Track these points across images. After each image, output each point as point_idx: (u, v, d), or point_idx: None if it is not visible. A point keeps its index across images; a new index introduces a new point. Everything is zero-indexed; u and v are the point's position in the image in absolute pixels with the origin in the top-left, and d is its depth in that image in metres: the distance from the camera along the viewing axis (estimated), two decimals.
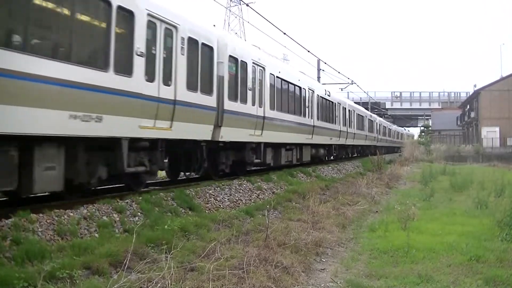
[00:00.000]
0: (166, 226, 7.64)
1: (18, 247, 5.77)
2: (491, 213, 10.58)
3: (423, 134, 59.12)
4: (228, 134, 12.65)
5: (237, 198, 11.84)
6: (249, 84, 13.94)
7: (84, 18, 7.87)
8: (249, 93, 13.92)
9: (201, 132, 11.45)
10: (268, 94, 15.66)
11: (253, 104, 14.30)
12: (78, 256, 5.88)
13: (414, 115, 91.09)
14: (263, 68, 15.24)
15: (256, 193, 12.94)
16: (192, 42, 10.83)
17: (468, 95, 73.99)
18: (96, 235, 7.03)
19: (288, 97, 18.29)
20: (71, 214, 7.26)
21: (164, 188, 11.00)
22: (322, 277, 6.48)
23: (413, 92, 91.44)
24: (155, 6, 9.43)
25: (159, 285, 5.04)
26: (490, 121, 58.36)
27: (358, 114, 34.53)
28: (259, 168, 16.77)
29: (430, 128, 64.89)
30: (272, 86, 16.14)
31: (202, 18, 12.64)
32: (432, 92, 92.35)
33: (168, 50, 9.97)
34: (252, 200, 12.23)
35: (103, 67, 8.04)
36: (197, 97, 11.07)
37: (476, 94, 62.63)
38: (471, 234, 8.85)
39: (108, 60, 8.09)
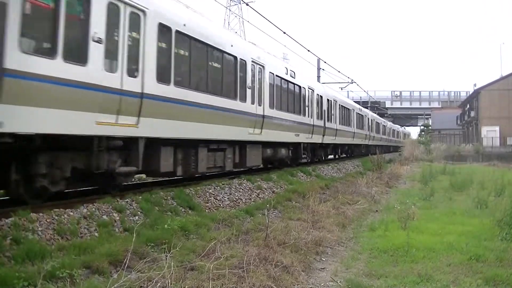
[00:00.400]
0: (166, 226, 7.65)
1: (18, 247, 5.78)
2: (491, 212, 10.57)
3: (423, 133, 59.08)
4: None
5: (237, 197, 11.84)
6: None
7: None
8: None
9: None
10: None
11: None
12: (78, 256, 5.89)
13: (414, 115, 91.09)
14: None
15: (256, 193, 12.94)
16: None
17: (468, 95, 73.94)
18: (96, 234, 7.03)
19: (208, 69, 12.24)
20: (71, 213, 7.26)
21: (164, 187, 10.99)
22: (322, 277, 6.47)
23: (413, 91, 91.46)
24: None
25: (159, 284, 5.04)
26: (490, 121, 58.32)
27: (343, 106, 28.77)
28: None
29: (430, 127, 64.86)
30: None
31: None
32: (432, 92, 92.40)
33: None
34: (252, 200, 12.23)
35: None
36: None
37: (476, 93, 62.58)
38: (471, 234, 8.85)
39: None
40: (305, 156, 20.93)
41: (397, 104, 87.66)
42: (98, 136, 8.24)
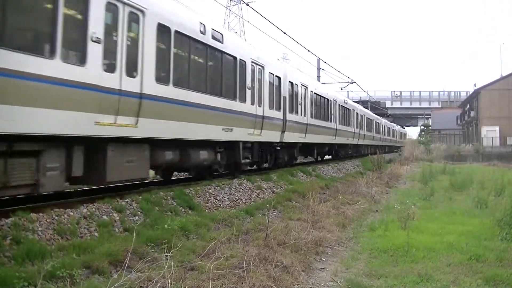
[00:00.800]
0: (166, 226, 7.65)
1: (18, 247, 5.78)
2: (491, 212, 10.58)
3: (423, 133, 59.08)
4: None
5: (237, 198, 11.84)
6: None
7: None
8: None
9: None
10: None
11: None
12: (78, 256, 5.89)
13: (414, 115, 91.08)
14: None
15: (256, 193, 12.94)
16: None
17: (468, 95, 73.94)
18: (96, 234, 7.03)
19: None
20: (71, 213, 7.26)
21: (164, 187, 10.99)
22: (322, 277, 6.48)
23: (413, 91, 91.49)
24: None
25: (159, 284, 5.04)
26: (490, 121, 58.34)
27: (318, 95, 22.32)
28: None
29: (430, 127, 64.88)
30: None
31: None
32: (432, 92, 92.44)
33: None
34: (252, 200, 12.23)
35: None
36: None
37: (476, 93, 62.60)
38: (471, 234, 8.85)
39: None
40: (248, 160, 14.97)
41: (397, 104, 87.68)
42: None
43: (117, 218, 7.85)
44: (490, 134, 57.77)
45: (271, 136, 16.05)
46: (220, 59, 12.45)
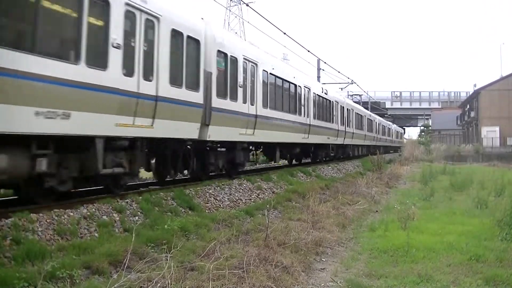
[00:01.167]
0: (166, 226, 7.65)
1: (18, 247, 5.78)
2: (491, 212, 10.58)
3: (423, 133, 59.11)
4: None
5: (237, 198, 11.84)
6: None
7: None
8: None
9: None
10: None
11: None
12: (78, 256, 5.89)
13: (414, 115, 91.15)
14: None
15: (256, 193, 12.94)
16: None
17: (468, 95, 73.98)
18: (96, 234, 7.03)
19: None
20: (71, 213, 7.26)
21: (164, 187, 10.99)
22: (322, 277, 6.48)
23: (413, 91, 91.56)
24: None
25: (159, 284, 5.04)
26: (490, 121, 58.37)
27: (277, 76, 16.46)
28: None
29: (430, 127, 64.92)
30: None
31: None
32: (432, 92, 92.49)
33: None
34: (252, 200, 12.23)
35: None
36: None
37: (476, 93, 62.62)
38: (471, 234, 8.85)
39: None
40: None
41: (397, 105, 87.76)
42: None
43: (117, 218, 7.85)
44: (490, 134, 57.79)
45: (174, 128, 10.27)
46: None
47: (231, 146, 13.71)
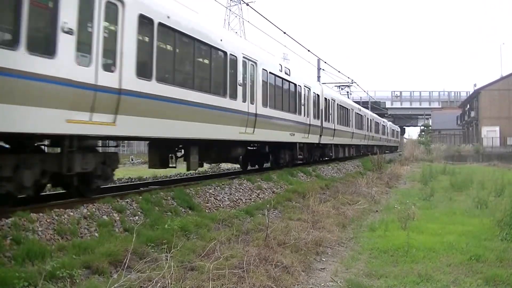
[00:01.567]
0: (166, 226, 7.66)
1: (18, 247, 5.78)
2: (491, 212, 10.58)
3: (423, 133, 59.11)
4: None
5: (237, 198, 11.84)
6: None
7: None
8: None
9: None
10: None
11: None
12: (78, 256, 5.89)
13: (414, 115, 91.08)
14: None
15: (256, 193, 12.94)
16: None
17: (468, 95, 73.94)
18: (96, 234, 7.03)
19: None
20: (71, 213, 7.27)
21: (164, 187, 10.99)
22: (322, 277, 6.47)
23: (413, 91, 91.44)
24: None
25: (159, 284, 5.04)
26: (490, 121, 58.35)
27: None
28: None
29: (430, 127, 64.89)
30: None
31: None
32: (432, 92, 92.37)
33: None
34: (252, 200, 12.23)
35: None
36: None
37: (476, 93, 62.61)
38: (471, 234, 8.85)
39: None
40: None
41: (397, 105, 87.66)
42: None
43: (117, 218, 7.85)
44: (490, 134, 57.77)
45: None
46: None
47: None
